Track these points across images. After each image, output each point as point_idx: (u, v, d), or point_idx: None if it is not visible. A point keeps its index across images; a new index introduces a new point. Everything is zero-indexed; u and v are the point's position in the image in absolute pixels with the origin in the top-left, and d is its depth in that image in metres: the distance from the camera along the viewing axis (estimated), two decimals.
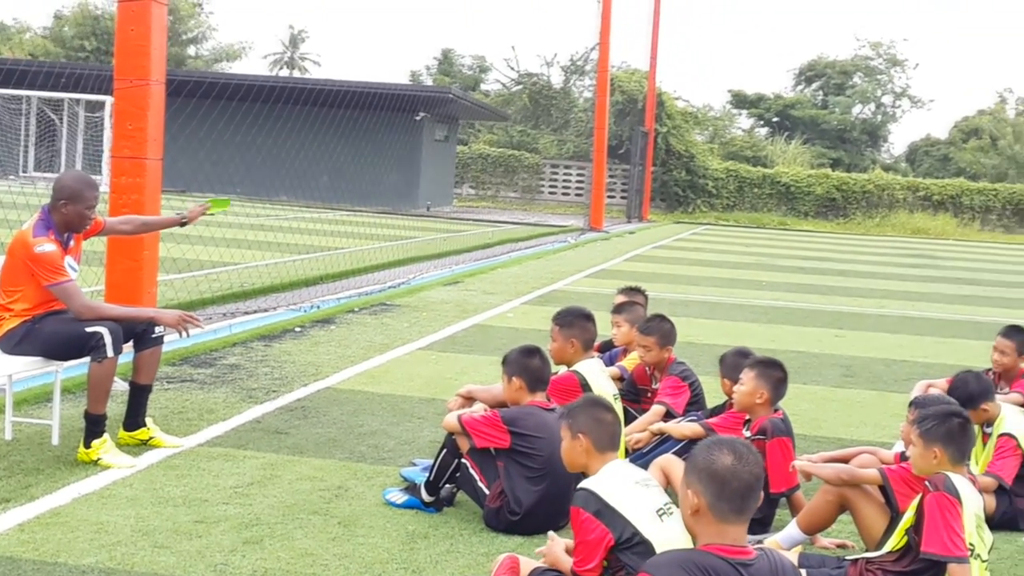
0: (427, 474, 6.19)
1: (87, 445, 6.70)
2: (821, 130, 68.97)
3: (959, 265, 29.90)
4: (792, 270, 24.47)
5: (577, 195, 52.94)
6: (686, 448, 6.59)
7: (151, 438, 7.14)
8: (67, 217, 6.86)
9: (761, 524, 6.03)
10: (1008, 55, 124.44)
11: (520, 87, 59.65)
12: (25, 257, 6.70)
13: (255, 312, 12.83)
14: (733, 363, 6.82)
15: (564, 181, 53.23)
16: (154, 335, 7.08)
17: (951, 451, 5.02)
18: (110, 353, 6.65)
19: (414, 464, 6.90)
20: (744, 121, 73.65)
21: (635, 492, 4.56)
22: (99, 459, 6.66)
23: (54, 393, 7.15)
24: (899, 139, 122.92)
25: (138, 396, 7.14)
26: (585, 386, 6.53)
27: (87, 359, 6.75)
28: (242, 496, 6.21)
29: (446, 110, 43.35)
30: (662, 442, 6.77)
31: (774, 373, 6.24)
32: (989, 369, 7.79)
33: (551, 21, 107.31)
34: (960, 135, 68.37)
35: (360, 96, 34.38)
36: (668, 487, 6.33)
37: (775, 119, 71.36)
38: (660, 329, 7.38)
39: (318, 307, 13.84)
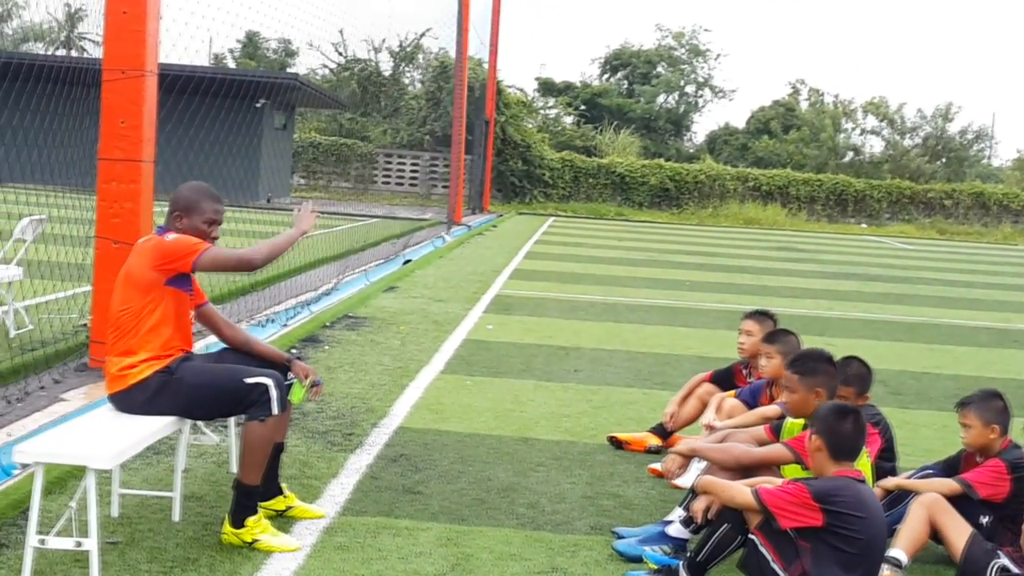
0: (687, 552, 5.26)
1: (238, 524, 5.45)
2: (628, 118, 69.60)
3: (833, 259, 29.92)
4: (691, 267, 24.06)
5: (412, 185, 51.84)
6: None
7: (289, 508, 5.96)
8: (183, 233, 5.65)
9: None
10: (801, 47, 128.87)
11: (347, 73, 58.11)
12: (154, 257, 5.49)
13: None
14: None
15: (399, 170, 52.00)
16: (288, 380, 5.89)
17: None
18: (276, 410, 5.47)
19: (620, 536, 5.89)
20: (552, 110, 73.74)
21: None
22: (256, 541, 5.44)
23: (177, 457, 5.87)
24: (701, 128, 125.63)
25: (271, 456, 5.93)
26: None
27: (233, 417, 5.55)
28: None
29: (286, 97, 41.59)
30: (897, 499, 6.00)
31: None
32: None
33: (370, 5, 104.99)
34: (757, 124, 70.06)
35: (197, 81, 32.32)
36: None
37: (583, 107, 71.71)
38: (851, 373, 6.53)
39: (272, 320, 12.64)
